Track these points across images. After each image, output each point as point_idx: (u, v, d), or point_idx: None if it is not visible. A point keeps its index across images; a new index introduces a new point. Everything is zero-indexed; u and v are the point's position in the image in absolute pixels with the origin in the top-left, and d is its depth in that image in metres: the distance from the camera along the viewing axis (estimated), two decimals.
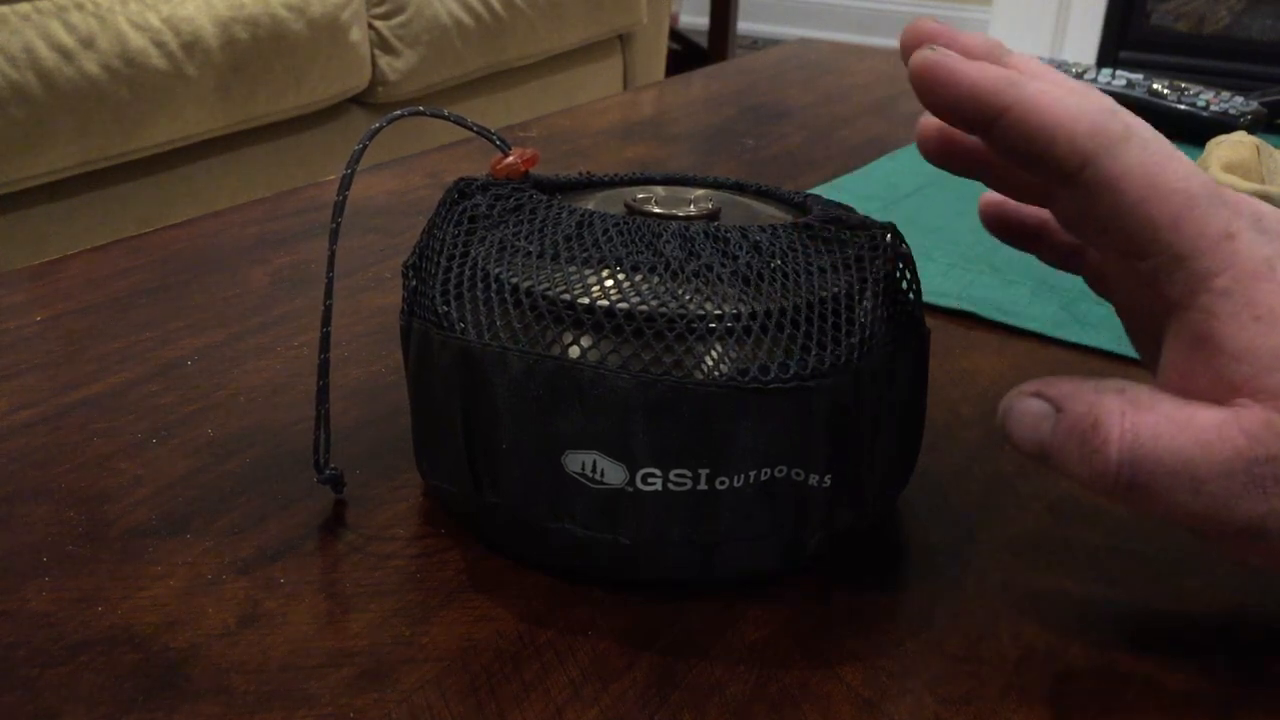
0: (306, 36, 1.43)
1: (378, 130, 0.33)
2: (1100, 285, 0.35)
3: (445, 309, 0.31)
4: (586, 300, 0.30)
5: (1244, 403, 0.26)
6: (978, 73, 0.27)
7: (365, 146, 0.33)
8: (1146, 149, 0.27)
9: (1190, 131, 0.75)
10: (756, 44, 3.58)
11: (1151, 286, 0.27)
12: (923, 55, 0.28)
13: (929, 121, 0.32)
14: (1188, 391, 0.27)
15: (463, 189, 0.34)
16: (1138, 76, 0.80)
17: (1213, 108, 0.75)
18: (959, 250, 0.56)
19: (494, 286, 0.31)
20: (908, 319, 0.33)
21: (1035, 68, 0.30)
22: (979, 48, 0.29)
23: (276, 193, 0.62)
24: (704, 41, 2.77)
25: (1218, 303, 0.26)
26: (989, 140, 0.28)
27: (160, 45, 1.28)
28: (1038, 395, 0.28)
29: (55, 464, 0.36)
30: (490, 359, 0.30)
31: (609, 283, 0.30)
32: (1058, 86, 0.27)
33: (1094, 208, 0.27)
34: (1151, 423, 0.26)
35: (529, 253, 0.32)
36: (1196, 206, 0.26)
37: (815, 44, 1.08)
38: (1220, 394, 0.26)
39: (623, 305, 0.29)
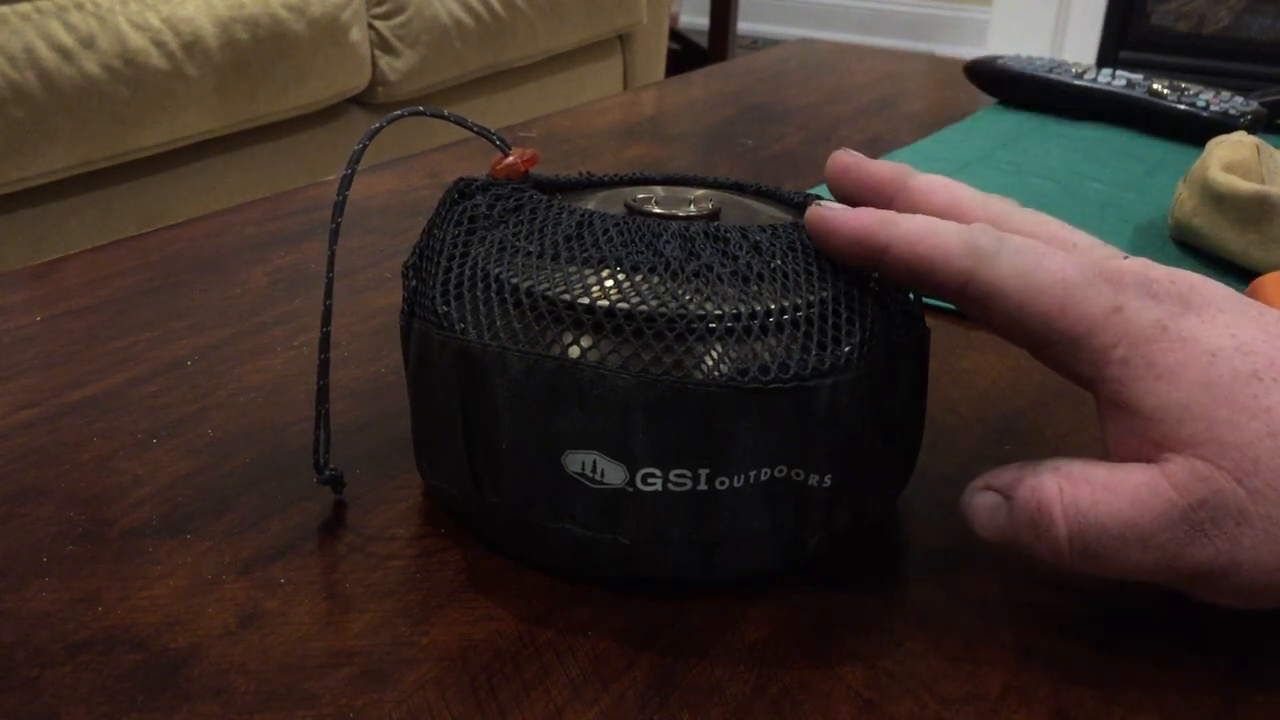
0: (306, 36, 1.43)
1: (378, 130, 0.33)
2: None
3: (445, 309, 0.31)
4: (586, 300, 0.30)
5: (1168, 457, 0.28)
6: (854, 221, 0.30)
7: (365, 146, 0.33)
8: (1020, 254, 0.29)
9: (1190, 131, 0.75)
10: (756, 44, 3.58)
11: (1068, 370, 0.30)
12: (811, 211, 0.31)
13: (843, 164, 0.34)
14: (1126, 455, 0.29)
15: (463, 189, 0.34)
16: (1138, 76, 0.80)
17: (1213, 108, 0.75)
18: None
19: (494, 286, 0.31)
20: (908, 319, 0.33)
21: (930, 196, 0.32)
22: (884, 176, 0.33)
23: (276, 193, 0.62)
24: (704, 41, 2.77)
25: (1120, 371, 0.28)
26: (883, 272, 0.31)
27: (160, 45, 1.28)
28: (988, 488, 0.31)
29: (55, 464, 0.36)
30: (490, 359, 0.30)
31: (609, 283, 0.30)
32: (931, 221, 0.30)
33: (989, 315, 0.30)
34: (1088, 494, 0.28)
35: (529, 253, 0.32)
36: (1076, 291, 0.28)
37: (815, 44, 1.08)
38: (1149, 452, 0.28)
39: (623, 305, 0.29)
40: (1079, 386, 0.30)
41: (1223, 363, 0.27)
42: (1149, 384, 0.28)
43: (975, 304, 0.30)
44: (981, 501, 0.31)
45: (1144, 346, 0.28)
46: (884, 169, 0.33)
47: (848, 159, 0.34)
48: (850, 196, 0.34)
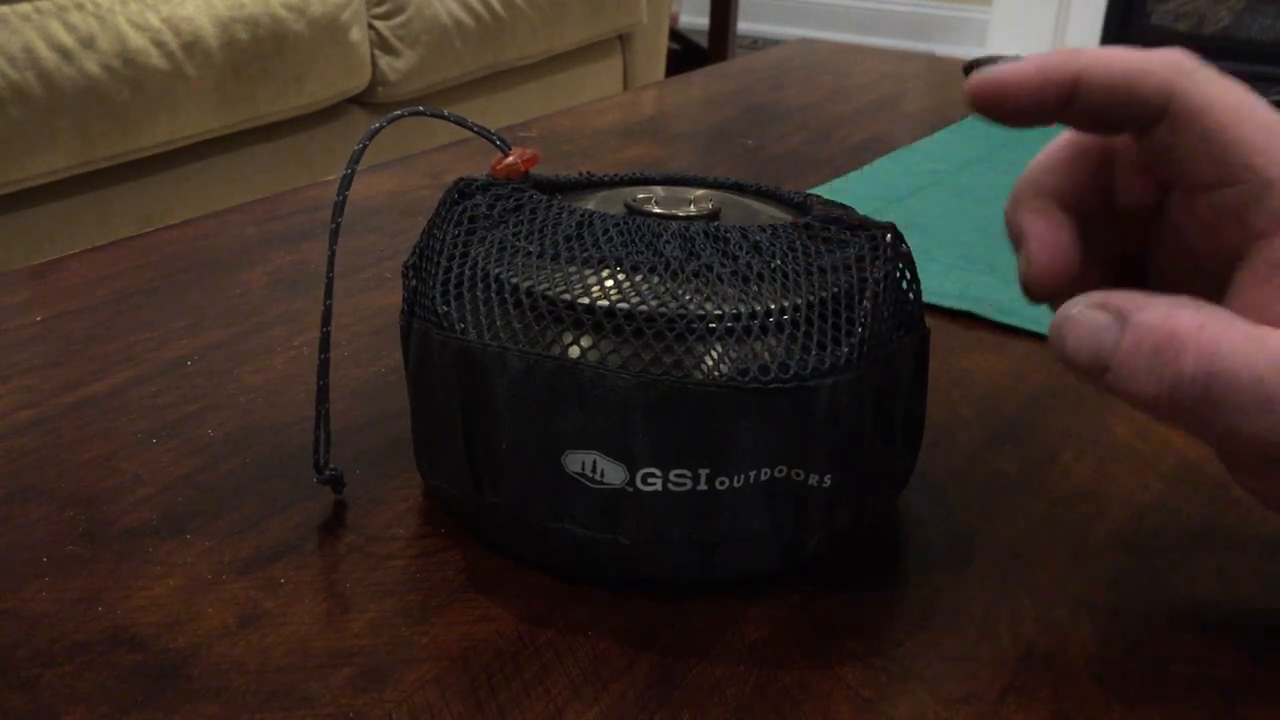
0: (306, 36, 1.43)
1: (378, 130, 0.33)
2: (1143, 232, 0.33)
3: (445, 309, 0.31)
4: (586, 300, 0.30)
5: None
6: (1038, 61, 0.28)
7: (365, 146, 0.33)
8: (1225, 80, 0.27)
9: None
10: (756, 44, 3.58)
11: (1233, 216, 0.27)
12: (976, 78, 0.29)
13: (988, 81, 0.31)
14: (1260, 320, 0.27)
15: (463, 189, 0.34)
16: None
17: None
18: (959, 250, 0.56)
19: (494, 286, 0.31)
20: (908, 319, 0.33)
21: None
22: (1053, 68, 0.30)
23: (276, 193, 0.62)
24: (704, 41, 2.77)
25: None
26: (1071, 114, 0.29)
27: (160, 45, 1.28)
28: (1101, 307, 0.27)
29: (55, 464, 0.36)
30: (490, 359, 0.30)
31: (609, 283, 0.30)
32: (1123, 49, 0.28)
33: (1183, 137, 0.27)
34: (1228, 337, 0.26)
35: (529, 253, 0.32)
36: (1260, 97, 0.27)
37: (815, 44, 1.08)
38: None
39: (623, 305, 0.29)
40: (1210, 245, 0.28)
41: None
42: None
43: (1172, 124, 0.28)
44: (1089, 317, 0.27)
45: None
46: (1040, 64, 0.29)
47: (995, 78, 0.29)
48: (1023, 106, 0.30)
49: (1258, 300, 0.27)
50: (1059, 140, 0.32)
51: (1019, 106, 0.29)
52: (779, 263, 0.31)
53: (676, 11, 3.03)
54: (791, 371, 0.29)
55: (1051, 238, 0.30)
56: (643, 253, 0.31)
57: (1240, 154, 0.27)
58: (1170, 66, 0.28)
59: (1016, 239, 0.31)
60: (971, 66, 0.31)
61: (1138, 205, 0.31)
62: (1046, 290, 0.30)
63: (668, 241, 0.31)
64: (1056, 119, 0.30)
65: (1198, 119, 0.27)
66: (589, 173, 0.38)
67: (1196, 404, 0.26)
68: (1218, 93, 0.27)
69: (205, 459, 0.37)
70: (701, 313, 0.29)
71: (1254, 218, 0.27)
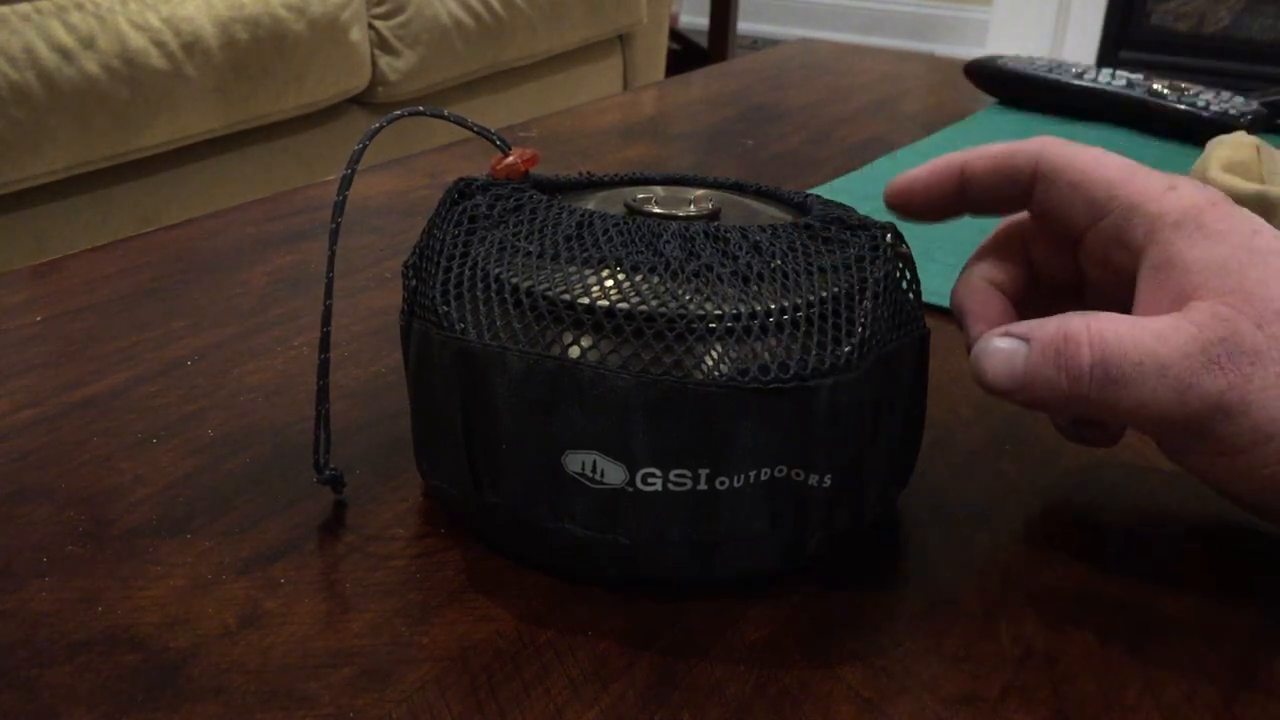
0: (306, 36, 1.43)
1: (378, 130, 0.33)
2: (1070, 298, 0.37)
3: (445, 309, 0.31)
4: (586, 300, 0.30)
5: (1194, 305, 0.30)
6: (929, 163, 0.36)
7: (365, 146, 0.33)
8: (1081, 145, 0.34)
9: (1190, 131, 0.75)
10: (756, 44, 3.58)
11: (1117, 243, 0.32)
12: (887, 188, 0.36)
13: (895, 186, 0.37)
14: (1154, 312, 0.31)
15: (463, 189, 0.34)
16: (1138, 76, 0.80)
17: (1213, 108, 0.75)
18: (959, 250, 0.56)
19: (494, 286, 0.31)
20: (908, 319, 0.33)
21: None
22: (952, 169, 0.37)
23: (276, 193, 0.62)
24: (704, 41, 2.77)
25: (1172, 233, 0.31)
26: (966, 199, 0.36)
27: (160, 45, 1.28)
28: (1007, 335, 0.31)
29: (55, 464, 0.36)
30: (490, 359, 0.30)
31: (609, 283, 0.30)
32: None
33: (1057, 191, 0.33)
34: (1113, 327, 0.30)
35: (529, 253, 0.32)
36: (1138, 169, 0.33)
37: (815, 44, 1.08)
38: (1178, 309, 0.30)
39: (623, 305, 0.29)
40: (1120, 274, 0.33)
41: (1264, 237, 0.31)
42: (1197, 240, 0.30)
43: (1045, 181, 0.34)
44: (999, 345, 0.31)
45: (1196, 213, 0.31)
46: (939, 166, 0.36)
47: (899, 183, 0.37)
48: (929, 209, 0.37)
49: (1149, 300, 0.31)
50: (986, 239, 0.37)
51: (925, 203, 0.36)
52: (779, 263, 0.31)
53: (676, 11, 3.03)
54: (791, 371, 0.29)
55: (986, 312, 0.35)
56: (643, 253, 0.31)
57: (1104, 190, 0.33)
58: (1036, 143, 0.34)
59: (960, 318, 0.36)
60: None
61: (1057, 277, 0.36)
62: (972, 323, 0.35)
63: (668, 241, 0.31)
64: (957, 209, 0.36)
65: (1063, 174, 0.33)
66: (589, 173, 0.38)
67: (1103, 388, 0.29)
68: (1075, 151, 0.33)
69: (205, 459, 0.37)
70: (701, 313, 0.29)
71: (1131, 235, 0.32)
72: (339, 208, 0.33)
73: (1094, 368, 0.29)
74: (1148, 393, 0.29)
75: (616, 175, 0.38)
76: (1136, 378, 0.29)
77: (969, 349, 0.34)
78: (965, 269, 0.37)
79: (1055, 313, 0.32)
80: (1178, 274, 0.30)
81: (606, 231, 0.32)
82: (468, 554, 0.33)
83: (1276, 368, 0.28)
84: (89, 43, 1.22)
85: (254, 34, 1.37)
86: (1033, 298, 0.36)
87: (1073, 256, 0.35)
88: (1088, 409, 0.30)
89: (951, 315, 0.36)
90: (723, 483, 0.29)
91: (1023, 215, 0.36)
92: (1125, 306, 0.32)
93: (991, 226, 0.38)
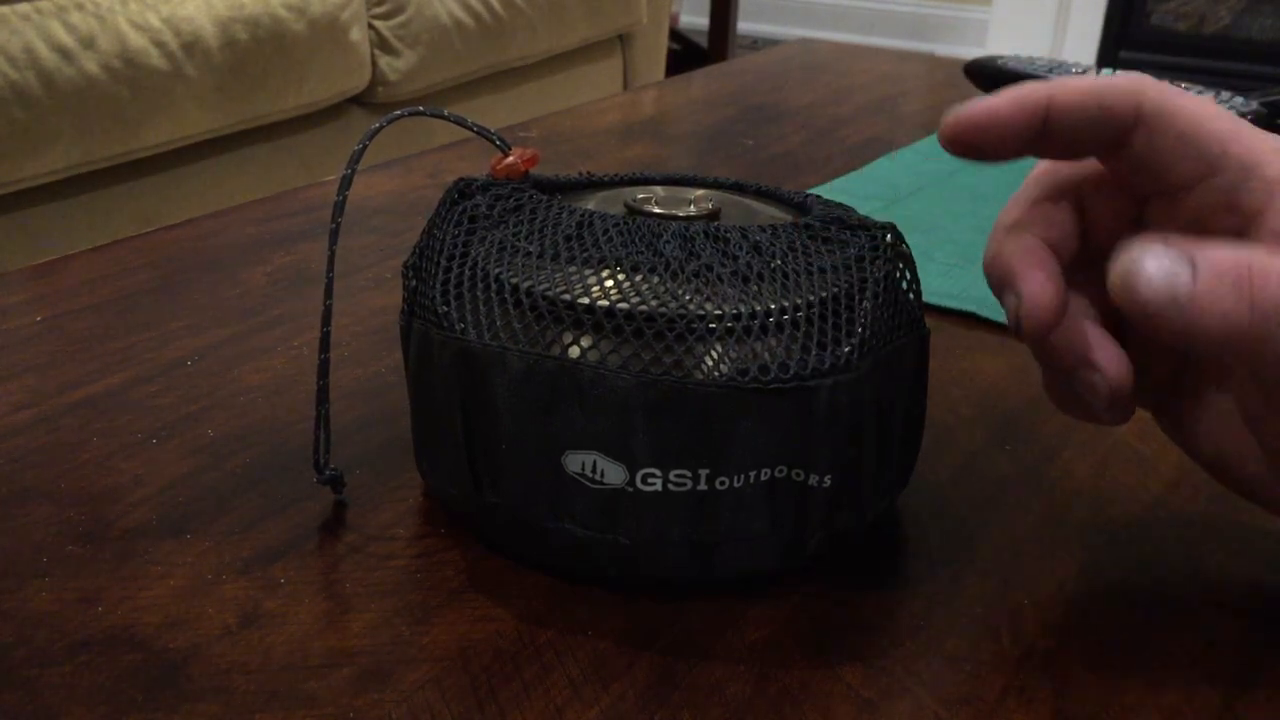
0: (306, 36, 1.43)
1: (378, 130, 0.33)
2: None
3: (445, 309, 0.31)
4: (586, 300, 0.30)
5: None
6: (1009, 93, 0.30)
7: (365, 146, 0.33)
8: (1182, 90, 0.29)
9: None
10: (756, 44, 3.58)
11: (1222, 205, 0.29)
12: (950, 120, 0.31)
13: (968, 116, 0.32)
14: None
15: (463, 189, 0.34)
16: None
17: None
18: (959, 250, 0.56)
19: (494, 286, 0.31)
20: (908, 319, 0.33)
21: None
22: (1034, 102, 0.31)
23: (276, 193, 0.62)
24: (704, 41, 2.77)
25: None
26: (1046, 142, 0.30)
27: (160, 45, 1.28)
28: (1165, 246, 0.27)
29: (55, 464, 0.36)
30: (490, 359, 0.30)
31: (609, 283, 0.30)
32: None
33: (1161, 140, 0.29)
34: None
35: (529, 253, 0.32)
36: (1244, 126, 0.29)
37: (815, 44, 1.08)
38: None
39: (623, 305, 0.29)
40: (1216, 228, 0.29)
41: None
42: None
43: (1147, 130, 0.29)
44: (1157, 260, 0.27)
45: None
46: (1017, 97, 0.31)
47: (973, 113, 0.31)
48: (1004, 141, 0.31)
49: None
50: (1027, 187, 0.33)
51: (999, 139, 0.30)
52: (779, 263, 0.31)
53: (676, 11, 3.03)
54: (791, 371, 0.29)
55: (1043, 273, 0.30)
56: (643, 253, 0.31)
57: (1217, 146, 0.29)
58: (1133, 81, 0.29)
59: (1003, 280, 0.31)
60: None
61: (1114, 238, 0.31)
62: (1042, 326, 0.30)
63: (668, 241, 0.31)
64: (1033, 149, 0.31)
65: (1170, 121, 0.29)
66: (589, 173, 0.38)
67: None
68: (1181, 99, 0.29)
69: (205, 459, 0.37)
70: (701, 313, 0.29)
71: (1245, 199, 0.28)
72: (339, 208, 0.33)
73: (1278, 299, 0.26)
74: None
75: (616, 175, 0.38)
76: None
77: (1015, 320, 0.30)
78: (1006, 226, 0.32)
79: (1103, 282, 0.29)
80: None
81: (606, 231, 0.32)
82: (468, 554, 0.33)
83: None
84: (89, 43, 1.22)
85: (254, 34, 1.37)
86: (1079, 263, 0.32)
87: (1157, 212, 0.31)
88: (1253, 353, 0.26)
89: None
90: (723, 483, 0.29)
91: (1073, 165, 0.32)
92: None
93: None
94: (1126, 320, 0.31)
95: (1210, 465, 0.32)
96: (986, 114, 0.30)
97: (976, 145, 0.31)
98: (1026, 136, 0.30)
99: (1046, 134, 0.30)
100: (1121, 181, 0.31)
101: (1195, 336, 0.27)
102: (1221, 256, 0.27)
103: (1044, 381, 0.33)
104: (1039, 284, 0.30)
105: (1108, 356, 0.30)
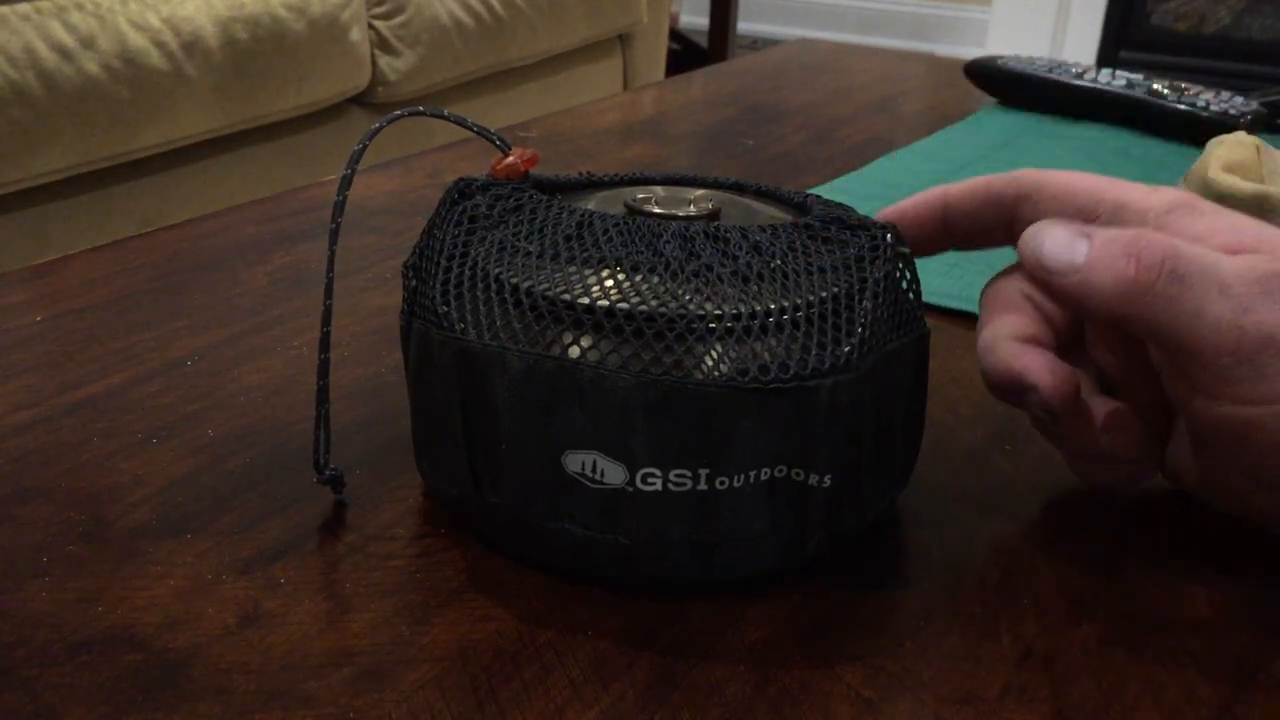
0: (306, 36, 1.43)
1: (378, 130, 0.33)
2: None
3: (445, 309, 0.31)
4: (586, 300, 0.30)
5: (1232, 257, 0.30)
6: (911, 198, 0.37)
7: (365, 146, 0.33)
8: (1050, 169, 0.35)
9: (1190, 131, 0.75)
10: (756, 44, 3.58)
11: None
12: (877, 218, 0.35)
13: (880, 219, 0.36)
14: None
15: (463, 189, 0.34)
16: (1138, 76, 0.80)
17: (1213, 108, 0.75)
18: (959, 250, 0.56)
19: (494, 286, 0.31)
20: (908, 319, 0.33)
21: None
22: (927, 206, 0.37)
23: (276, 193, 0.62)
24: (704, 41, 2.77)
25: (1167, 217, 0.32)
26: (950, 227, 0.36)
27: (160, 45, 1.28)
28: (1067, 225, 0.31)
29: (55, 464, 0.36)
30: (490, 359, 0.30)
31: (609, 283, 0.30)
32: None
33: (1043, 206, 0.34)
34: (1181, 240, 0.30)
35: (529, 253, 0.32)
36: (1114, 180, 0.34)
37: (815, 44, 1.08)
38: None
39: (623, 305, 0.29)
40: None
41: (1245, 218, 0.31)
42: (1195, 218, 0.31)
43: (1027, 198, 0.34)
44: (1061, 229, 0.31)
45: (1184, 201, 0.32)
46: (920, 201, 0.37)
47: (884, 216, 0.36)
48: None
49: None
50: (990, 305, 0.36)
51: (911, 235, 0.36)
52: (779, 263, 0.31)
53: (676, 11, 3.03)
54: (791, 371, 0.29)
55: (1045, 358, 0.33)
56: (643, 253, 0.31)
57: (1090, 194, 0.33)
58: (1011, 173, 0.35)
59: (1017, 384, 0.33)
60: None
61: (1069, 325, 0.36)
62: (1070, 402, 0.32)
63: (668, 241, 0.31)
64: (942, 240, 0.37)
65: (1046, 188, 0.34)
66: (589, 173, 0.38)
67: (1166, 283, 0.29)
68: (1054, 173, 0.34)
69: (205, 459, 0.37)
70: (701, 313, 0.29)
71: (1128, 219, 0.33)
72: (339, 208, 0.33)
73: (1165, 260, 0.29)
74: (1209, 304, 0.29)
75: (616, 175, 0.38)
76: (1201, 285, 0.29)
77: (1045, 409, 0.32)
78: (989, 344, 0.34)
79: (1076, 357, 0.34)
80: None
81: (606, 231, 0.32)
82: (468, 554, 0.33)
83: None
84: (89, 43, 1.22)
85: (254, 34, 1.37)
86: (1063, 348, 0.35)
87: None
88: (1142, 309, 0.29)
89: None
90: (723, 483, 0.29)
91: (1011, 278, 0.36)
92: None
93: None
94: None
95: (1203, 493, 0.34)
96: (898, 216, 0.36)
97: None
98: (933, 230, 0.36)
99: (948, 227, 0.36)
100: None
101: (1091, 294, 0.30)
102: (1112, 232, 0.31)
103: (1071, 465, 0.36)
104: (1045, 368, 0.32)
105: (1117, 416, 0.34)
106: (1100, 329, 0.35)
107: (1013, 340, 0.33)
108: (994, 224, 0.35)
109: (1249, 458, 0.30)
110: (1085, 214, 0.33)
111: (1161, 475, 0.35)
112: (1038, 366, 0.32)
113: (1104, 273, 0.30)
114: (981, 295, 0.36)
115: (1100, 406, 0.34)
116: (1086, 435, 0.34)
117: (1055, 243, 0.31)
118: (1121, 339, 0.35)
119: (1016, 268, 0.36)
